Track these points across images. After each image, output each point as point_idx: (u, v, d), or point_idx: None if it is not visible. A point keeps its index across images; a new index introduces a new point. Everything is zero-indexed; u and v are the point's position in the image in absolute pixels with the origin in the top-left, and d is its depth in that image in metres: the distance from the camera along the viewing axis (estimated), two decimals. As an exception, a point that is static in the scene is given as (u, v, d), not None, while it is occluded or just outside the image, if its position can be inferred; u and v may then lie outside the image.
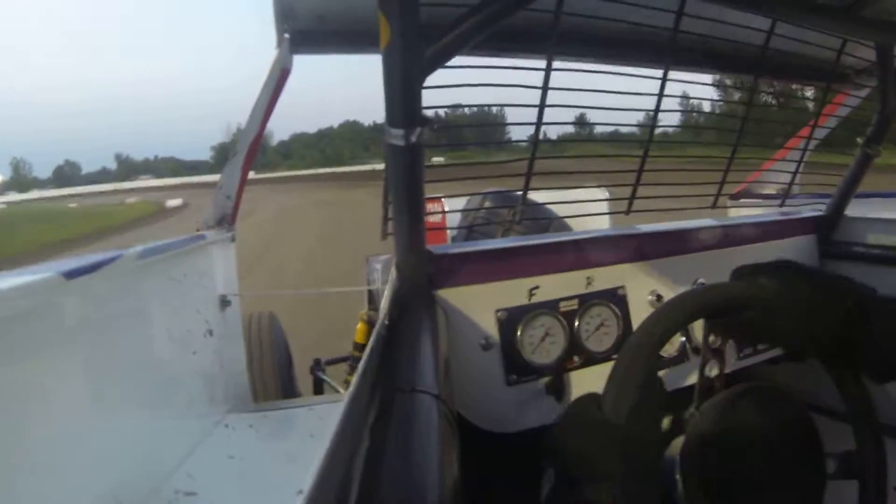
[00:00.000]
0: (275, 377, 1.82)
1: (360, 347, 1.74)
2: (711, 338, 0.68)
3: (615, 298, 1.00)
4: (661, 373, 0.66)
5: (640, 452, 0.54)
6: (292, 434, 1.29)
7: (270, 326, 1.96)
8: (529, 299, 0.94)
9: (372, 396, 0.52)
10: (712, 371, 0.68)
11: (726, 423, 0.59)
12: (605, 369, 0.96)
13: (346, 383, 1.82)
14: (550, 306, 0.95)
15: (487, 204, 1.96)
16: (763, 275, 0.69)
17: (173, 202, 28.68)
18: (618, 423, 0.53)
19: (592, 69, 0.98)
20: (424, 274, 0.86)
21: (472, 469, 0.55)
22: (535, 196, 1.60)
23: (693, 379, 0.97)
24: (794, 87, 1.62)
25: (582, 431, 0.55)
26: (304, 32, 0.97)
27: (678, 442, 0.62)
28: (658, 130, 1.07)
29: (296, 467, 1.09)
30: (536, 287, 0.95)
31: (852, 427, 0.70)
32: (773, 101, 1.26)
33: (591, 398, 0.57)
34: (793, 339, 0.67)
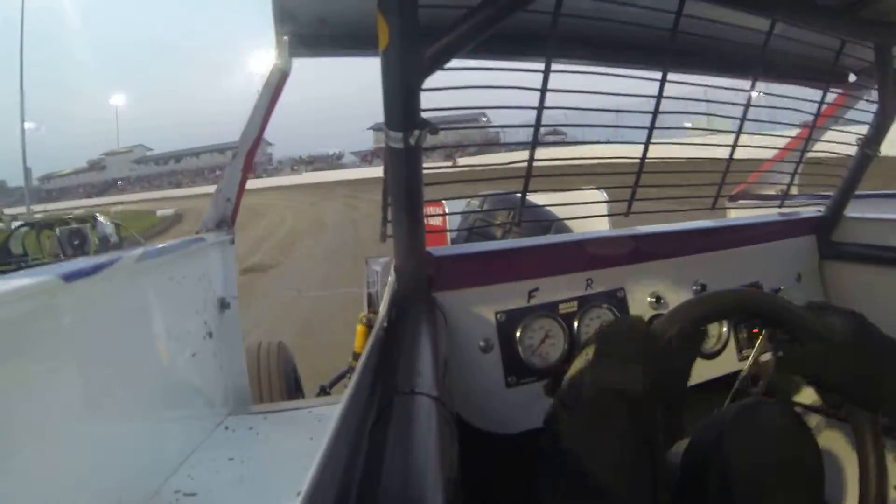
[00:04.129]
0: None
1: (359, 356, 1.73)
2: (766, 354, 0.69)
3: (615, 300, 1.00)
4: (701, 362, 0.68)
5: (674, 373, 0.58)
6: (292, 436, 1.29)
7: (279, 356, 1.95)
8: (529, 301, 0.94)
9: (371, 398, 0.52)
10: (750, 384, 0.69)
11: (729, 437, 0.59)
12: None
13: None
14: (550, 308, 0.95)
15: (487, 206, 1.96)
16: (835, 315, 0.70)
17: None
18: (662, 338, 0.58)
19: (591, 71, 0.98)
20: (424, 276, 0.86)
21: (471, 470, 0.55)
22: (535, 198, 1.60)
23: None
24: (792, 87, 1.62)
25: (627, 336, 0.59)
26: (303, 35, 0.97)
27: (679, 446, 0.62)
28: (657, 132, 1.07)
29: (295, 469, 1.09)
30: (536, 289, 0.95)
31: (852, 427, 0.69)
32: (772, 103, 1.26)
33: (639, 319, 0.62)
34: (839, 391, 0.68)
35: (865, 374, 0.66)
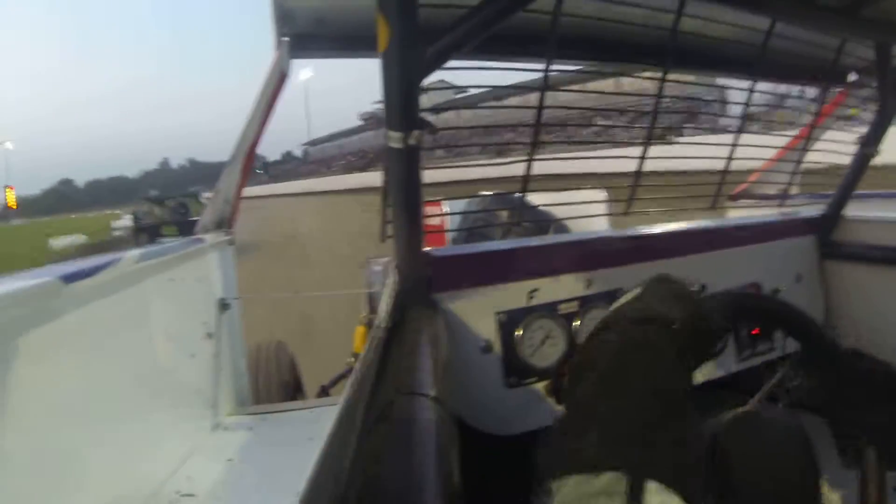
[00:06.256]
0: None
1: (359, 357, 1.73)
2: (790, 371, 0.68)
3: (615, 300, 1.00)
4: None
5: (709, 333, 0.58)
6: (291, 437, 1.29)
7: (278, 356, 1.94)
8: (529, 302, 0.94)
9: (371, 399, 0.52)
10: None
11: (725, 443, 0.59)
12: None
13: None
14: (550, 309, 0.95)
15: (486, 206, 1.96)
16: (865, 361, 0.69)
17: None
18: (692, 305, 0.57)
19: (591, 70, 0.98)
20: (424, 277, 0.86)
21: (471, 471, 0.55)
22: (535, 198, 1.60)
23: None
24: (792, 86, 1.62)
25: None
26: (302, 36, 0.96)
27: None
28: (657, 131, 1.07)
29: (294, 470, 1.08)
30: (536, 289, 0.95)
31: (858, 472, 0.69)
32: (772, 102, 1.26)
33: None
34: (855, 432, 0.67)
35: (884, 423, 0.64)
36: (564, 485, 0.44)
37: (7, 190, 35.15)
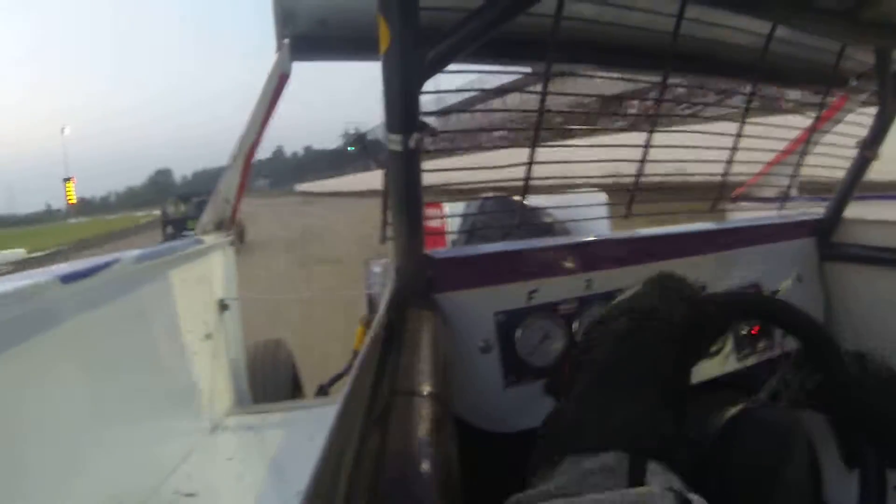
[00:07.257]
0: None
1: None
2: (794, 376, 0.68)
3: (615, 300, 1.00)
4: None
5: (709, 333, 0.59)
6: (291, 436, 1.29)
7: (277, 354, 1.94)
8: (528, 302, 0.94)
9: (371, 399, 0.52)
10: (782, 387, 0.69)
11: (727, 441, 0.59)
12: None
13: None
14: (549, 309, 0.95)
15: (487, 208, 1.96)
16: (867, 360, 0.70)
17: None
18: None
19: (592, 74, 0.99)
20: (423, 278, 0.86)
21: (471, 471, 0.55)
22: (535, 200, 1.60)
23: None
24: (793, 90, 1.62)
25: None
26: (304, 38, 0.97)
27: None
28: (656, 133, 1.07)
29: (294, 469, 1.09)
30: (535, 290, 0.95)
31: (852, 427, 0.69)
32: (773, 105, 1.26)
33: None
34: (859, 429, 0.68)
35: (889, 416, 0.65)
36: (562, 464, 0.45)
37: (67, 184, 29.95)
